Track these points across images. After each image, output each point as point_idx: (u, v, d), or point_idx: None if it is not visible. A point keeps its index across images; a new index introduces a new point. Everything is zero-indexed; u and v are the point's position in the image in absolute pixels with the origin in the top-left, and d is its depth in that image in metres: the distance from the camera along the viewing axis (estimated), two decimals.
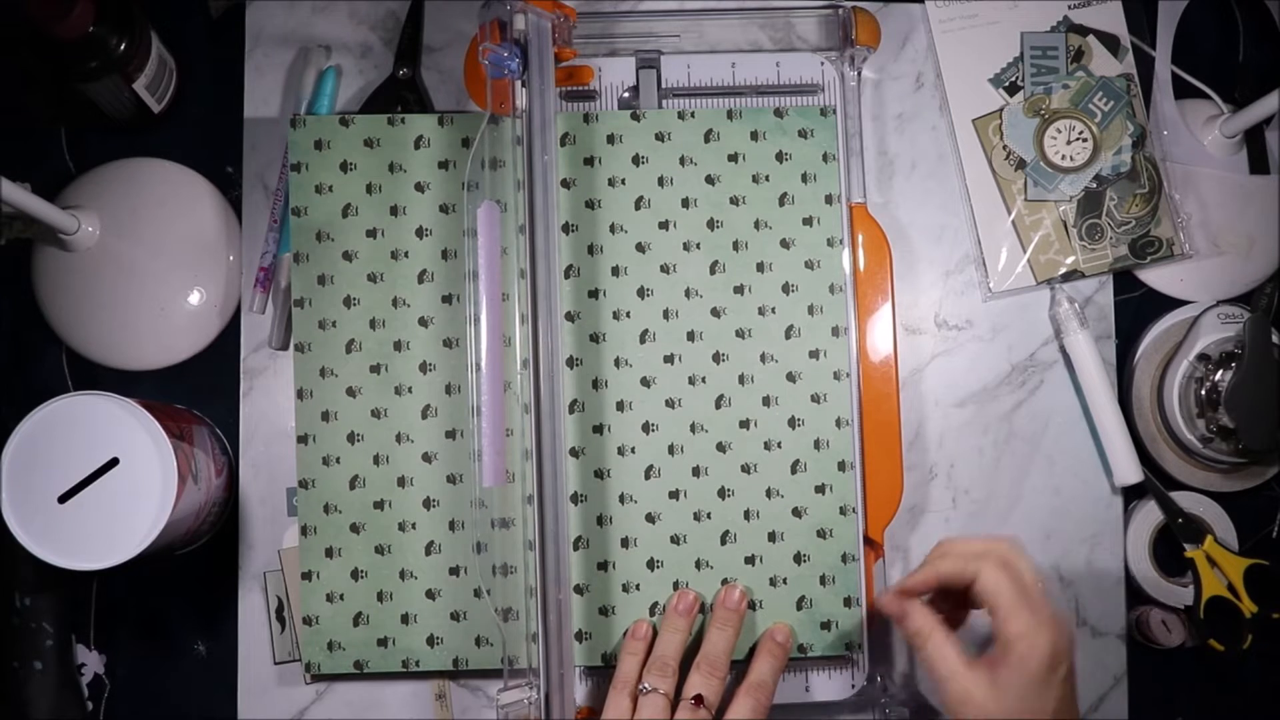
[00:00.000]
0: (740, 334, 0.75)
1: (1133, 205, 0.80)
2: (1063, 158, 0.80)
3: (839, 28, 0.78)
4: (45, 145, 0.80)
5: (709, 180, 0.76)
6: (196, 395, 0.79)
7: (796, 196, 0.76)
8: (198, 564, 0.77)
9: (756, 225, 0.76)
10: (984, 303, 0.81)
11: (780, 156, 0.77)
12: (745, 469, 0.75)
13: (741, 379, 0.75)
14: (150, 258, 0.77)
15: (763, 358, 0.75)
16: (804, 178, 0.76)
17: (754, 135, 0.77)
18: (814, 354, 0.75)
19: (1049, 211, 0.80)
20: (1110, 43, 0.81)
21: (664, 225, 0.76)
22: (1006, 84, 0.81)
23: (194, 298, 0.78)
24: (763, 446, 0.75)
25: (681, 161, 0.76)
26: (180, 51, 0.80)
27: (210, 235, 0.78)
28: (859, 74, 0.79)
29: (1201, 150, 0.82)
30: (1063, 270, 0.80)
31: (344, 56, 0.80)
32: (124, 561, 0.65)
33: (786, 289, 0.76)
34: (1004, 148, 0.81)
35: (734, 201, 0.76)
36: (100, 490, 0.65)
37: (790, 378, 0.75)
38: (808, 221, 0.76)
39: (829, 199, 0.76)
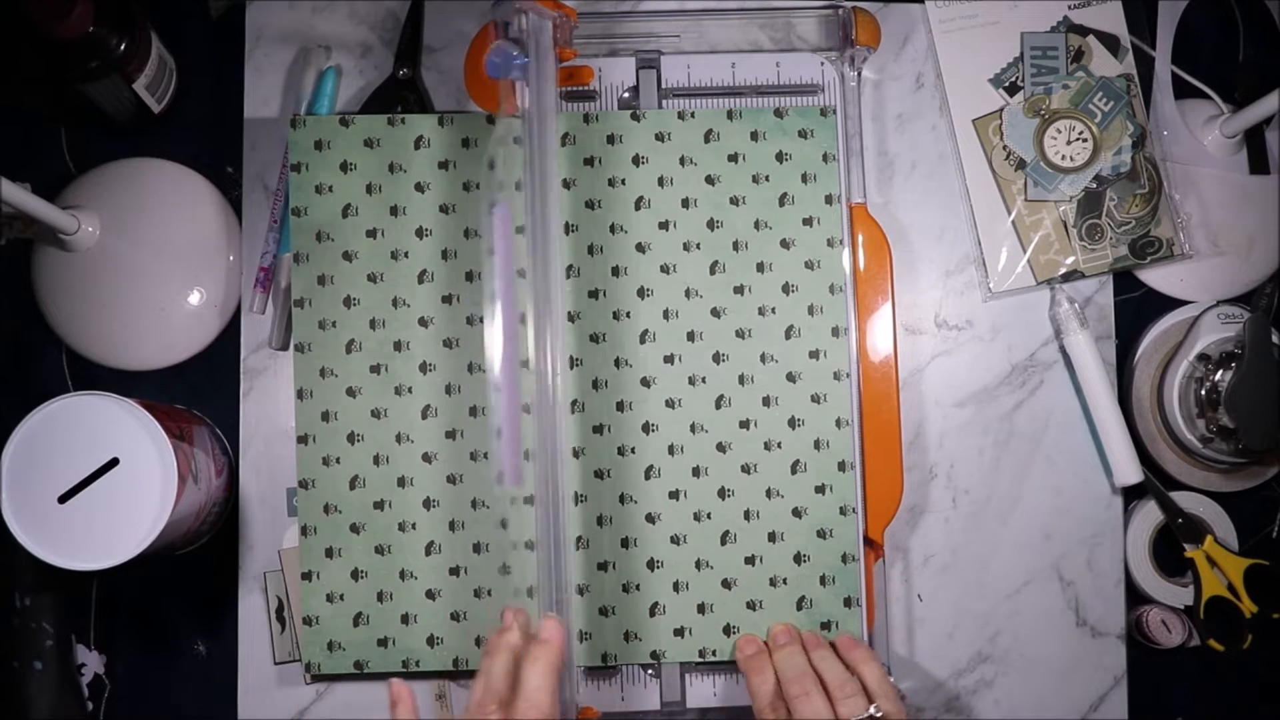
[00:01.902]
0: (740, 334, 0.75)
1: (1133, 205, 0.80)
2: (1063, 158, 0.80)
3: (839, 28, 0.78)
4: (45, 145, 0.80)
5: (709, 180, 0.76)
6: (196, 395, 0.79)
7: (796, 197, 0.76)
8: (198, 564, 0.77)
9: (756, 225, 0.76)
10: (984, 303, 0.81)
11: (780, 156, 0.77)
12: (745, 469, 0.75)
13: (742, 379, 0.75)
14: (150, 258, 0.77)
15: (763, 358, 0.75)
16: (804, 178, 0.76)
17: (754, 135, 0.77)
18: (814, 354, 0.75)
19: (1049, 211, 0.80)
20: (1110, 43, 0.81)
21: (664, 225, 0.76)
22: (1006, 84, 0.81)
23: (194, 298, 0.78)
24: (763, 447, 0.75)
25: (681, 162, 0.76)
26: (180, 51, 0.79)
27: (210, 235, 0.78)
28: (859, 74, 0.79)
29: (1201, 150, 0.82)
30: (1063, 270, 0.80)
31: (344, 56, 0.80)
32: (124, 561, 0.65)
33: (786, 289, 0.76)
34: (1004, 148, 0.81)
35: (734, 202, 0.76)
36: (100, 490, 0.65)
37: (790, 378, 0.75)
38: (808, 222, 0.76)
39: (829, 199, 0.76)
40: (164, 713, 0.77)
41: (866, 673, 0.68)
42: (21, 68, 0.72)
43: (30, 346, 0.79)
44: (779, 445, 0.75)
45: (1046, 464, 0.80)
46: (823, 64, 0.78)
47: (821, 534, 0.74)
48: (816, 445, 0.75)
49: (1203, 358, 0.78)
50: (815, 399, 0.75)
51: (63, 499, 0.65)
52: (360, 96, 0.80)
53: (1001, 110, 0.81)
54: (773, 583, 0.74)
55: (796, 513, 0.74)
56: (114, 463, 0.66)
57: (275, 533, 0.77)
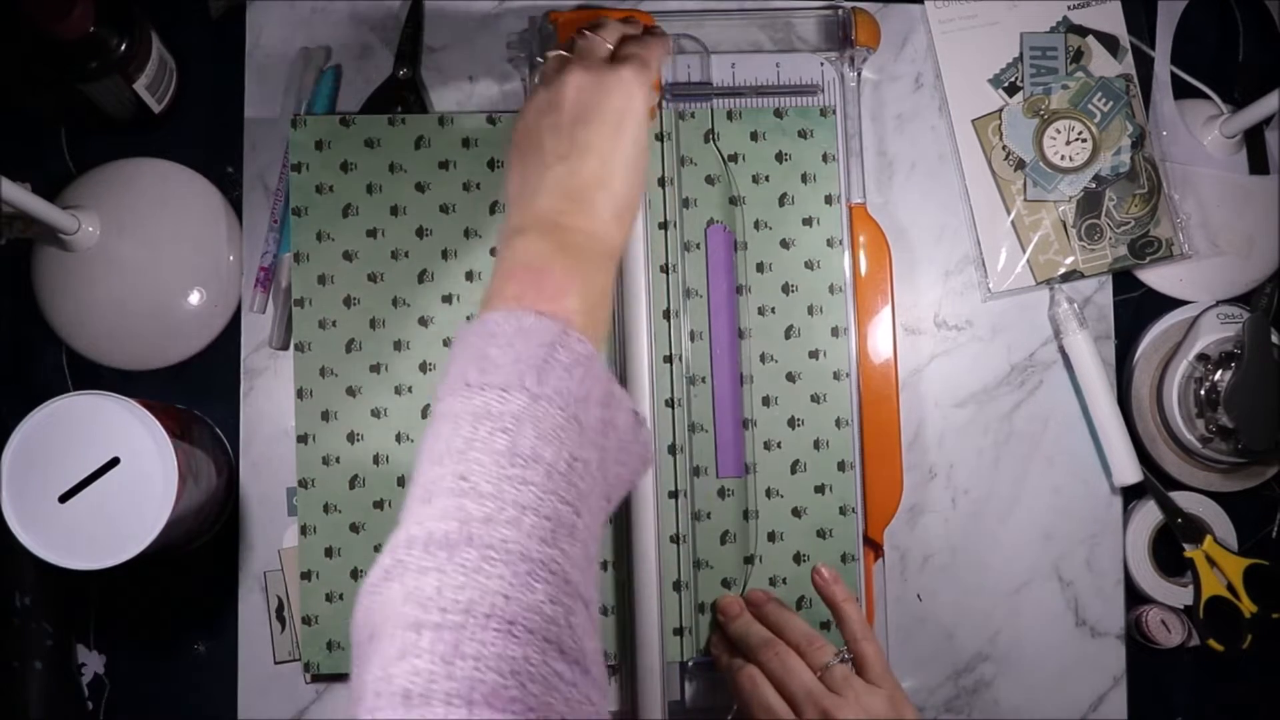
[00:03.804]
0: (741, 334, 0.75)
1: (1132, 205, 0.80)
2: (1062, 158, 0.80)
3: (839, 28, 0.78)
4: (45, 145, 0.80)
5: (709, 180, 0.76)
6: (196, 395, 0.79)
7: (796, 197, 0.76)
8: (198, 564, 0.77)
9: (756, 225, 0.76)
10: (984, 303, 0.81)
11: (780, 157, 0.77)
12: (745, 468, 0.75)
13: (742, 378, 0.75)
14: (150, 258, 0.77)
15: (763, 358, 0.75)
16: (804, 178, 0.76)
17: (754, 135, 0.77)
18: (814, 354, 0.75)
19: (1048, 212, 0.80)
20: (1110, 43, 0.81)
21: (664, 225, 0.76)
22: (1006, 84, 0.81)
23: (194, 298, 0.78)
24: (763, 446, 0.75)
25: (682, 161, 0.76)
26: (180, 51, 0.79)
27: (210, 235, 0.78)
28: (859, 74, 0.79)
29: (1201, 150, 0.82)
30: (1062, 270, 0.80)
31: (344, 57, 0.80)
32: (124, 561, 0.65)
33: (786, 289, 0.76)
34: (1003, 148, 0.81)
35: (734, 202, 0.76)
36: (100, 490, 0.65)
37: (790, 378, 0.75)
38: (808, 222, 0.76)
39: (829, 199, 0.76)
40: (164, 713, 0.77)
41: (847, 614, 0.69)
42: (21, 68, 0.72)
43: (30, 346, 0.79)
44: (779, 445, 0.75)
45: (1046, 464, 0.80)
46: (823, 64, 0.78)
47: (821, 534, 0.74)
48: (816, 445, 0.75)
49: (1202, 358, 0.78)
50: (815, 399, 0.75)
51: (63, 499, 0.65)
52: (360, 96, 0.80)
53: (1001, 110, 0.81)
54: (773, 582, 0.74)
55: (796, 512, 0.74)
56: (114, 462, 0.66)
57: (275, 532, 0.77)
